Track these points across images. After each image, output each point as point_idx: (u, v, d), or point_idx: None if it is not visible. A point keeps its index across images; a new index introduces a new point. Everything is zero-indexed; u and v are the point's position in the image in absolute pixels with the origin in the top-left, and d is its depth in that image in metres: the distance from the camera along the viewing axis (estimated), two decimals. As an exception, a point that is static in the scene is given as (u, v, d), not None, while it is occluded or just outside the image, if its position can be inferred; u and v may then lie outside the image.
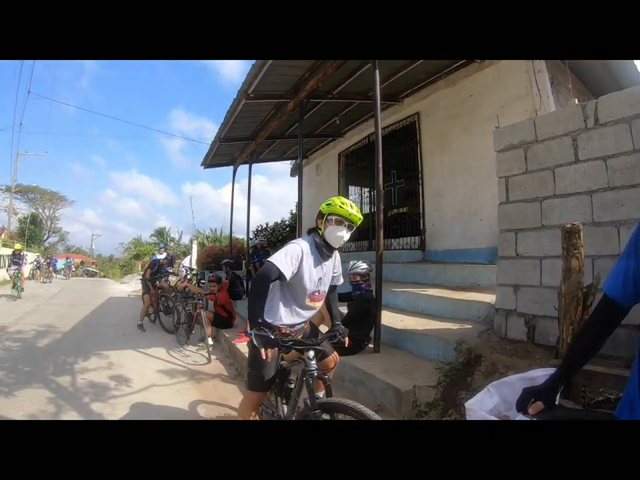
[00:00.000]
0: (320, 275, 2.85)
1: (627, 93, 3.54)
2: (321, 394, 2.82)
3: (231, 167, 12.07)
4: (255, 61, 6.33)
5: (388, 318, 5.44)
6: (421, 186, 8.76)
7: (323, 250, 2.82)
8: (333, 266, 3.04)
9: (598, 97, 3.65)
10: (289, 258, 2.65)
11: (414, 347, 4.82)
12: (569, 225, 3.08)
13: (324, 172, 12.91)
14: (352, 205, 2.80)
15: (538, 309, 3.86)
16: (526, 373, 2.83)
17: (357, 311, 4.96)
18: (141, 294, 9.80)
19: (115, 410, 4.24)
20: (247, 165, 11.37)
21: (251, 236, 18.80)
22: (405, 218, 9.35)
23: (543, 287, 3.85)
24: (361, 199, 12.04)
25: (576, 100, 4.58)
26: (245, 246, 12.45)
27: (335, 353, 3.13)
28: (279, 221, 17.87)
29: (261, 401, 2.95)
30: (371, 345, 4.95)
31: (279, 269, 2.59)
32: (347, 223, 2.79)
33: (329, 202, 2.84)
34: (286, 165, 15.88)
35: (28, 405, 4.30)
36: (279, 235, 16.70)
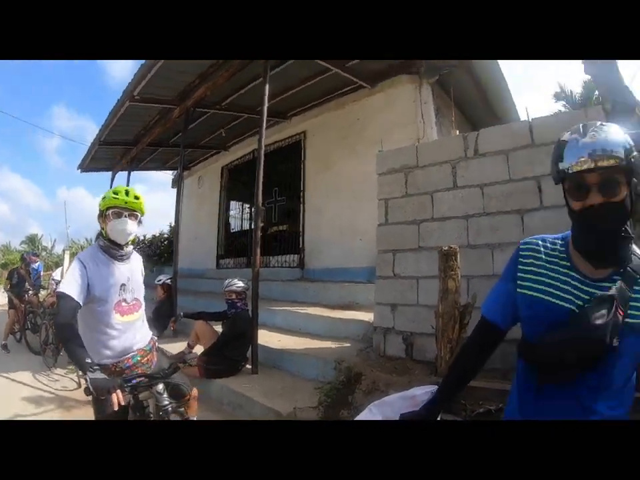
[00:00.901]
0: (122, 280, 2.50)
1: (506, 127, 3.94)
2: None
3: (110, 173, 11.28)
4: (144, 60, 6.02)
5: (265, 337, 5.30)
6: (302, 204, 8.78)
7: (112, 251, 2.50)
8: (141, 273, 2.74)
9: (474, 127, 3.94)
10: (73, 277, 2.29)
11: (293, 367, 4.73)
12: (446, 248, 3.25)
13: (206, 185, 12.50)
14: (128, 191, 2.49)
15: (415, 327, 3.99)
16: (406, 392, 2.85)
17: (233, 331, 4.75)
18: (7, 308, 8.65)
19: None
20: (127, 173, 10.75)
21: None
22: (284, 235, 9.32)
23: (420, 306, 3.99)
24: (242, 214, 11.89)
25: (457, 131, 4.90)
26: None
27: (194, 389, 2.81)
28: (157, 234, 17.10)
29: None
30: (248, 366, 4.78)
31: (64, 293, 2.22)
32: (126, 212, 2.46)
33: (103, 196, 2.52)
34: (167, 175, 15.17)
35: None
36: (156, 249, 15.96)
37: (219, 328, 5.14)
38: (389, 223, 4.44)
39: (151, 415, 2.55)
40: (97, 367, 1.99)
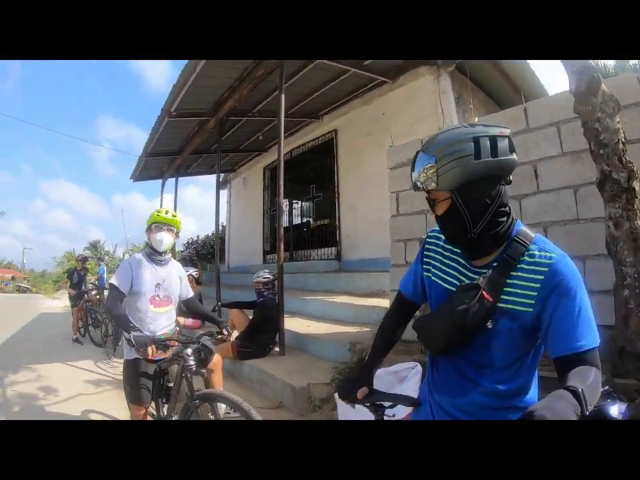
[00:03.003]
0: (157, 280, 3.14)
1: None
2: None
3: (161, 180, 12.18)
4: (177, 79, 6.62)
5: (296, 324, 5.82)
6: (337, 199, 9.19)
7: (152, 257, 3.16)
8: (179, 277, 3.36)
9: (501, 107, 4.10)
10: (120, 274, 3.03)
11: (316, 349, 5.17)
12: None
13: (250, 185, 13.15)
14: (167, 211, 3.23)
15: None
16: (389, 368, 3.26)
17: (261, 317, 5.21)
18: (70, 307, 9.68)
19: (43, 417, 4.32)
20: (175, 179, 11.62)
21: (182, 248, 18.68)
22: (323, 230, 9.79)
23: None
24: (289, 210, 12.27)
25: (476, 118, 5.07)
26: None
27: (217, 355, 3.60)
28: (210, 234, 17.77)
29: (145, 414, 3.11)
30: (277, 349, 5.25)
31: (113, 284, 2.99)
32: (165, 227, 3.16)
33: (150, 214, 3.21)
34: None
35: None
36: (209, 248, 16.59)
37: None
38: (400, 214, 4.74)
39: (170, 382, 3.21)
40: (138, 328, 2.81)
